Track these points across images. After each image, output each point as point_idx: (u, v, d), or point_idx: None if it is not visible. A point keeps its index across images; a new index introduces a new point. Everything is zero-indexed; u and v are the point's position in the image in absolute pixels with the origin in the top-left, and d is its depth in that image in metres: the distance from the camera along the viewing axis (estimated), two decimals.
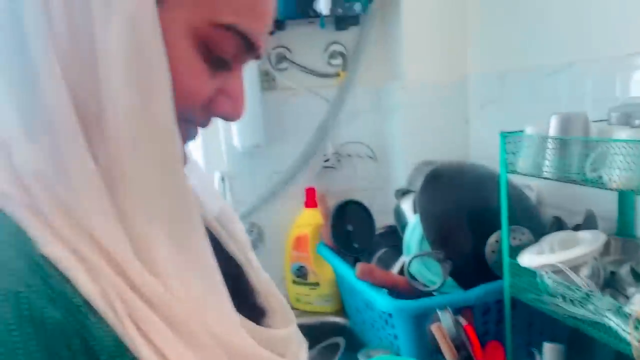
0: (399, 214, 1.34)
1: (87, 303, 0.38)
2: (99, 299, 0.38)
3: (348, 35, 1.56)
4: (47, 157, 0.39)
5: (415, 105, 1.49)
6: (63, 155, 0.39)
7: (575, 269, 0.85)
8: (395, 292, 1.11)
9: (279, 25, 1.47)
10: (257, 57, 0.49)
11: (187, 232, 0.47)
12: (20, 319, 0.34)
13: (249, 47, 0.46)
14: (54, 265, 0.38)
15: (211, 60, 0.44)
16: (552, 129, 0.86)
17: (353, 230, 1.38)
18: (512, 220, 0.99)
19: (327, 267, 1.47)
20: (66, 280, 0.38)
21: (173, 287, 0.43)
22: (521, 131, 0.95)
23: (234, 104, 0.48)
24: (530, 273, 0.92)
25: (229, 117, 0.48)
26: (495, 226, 1.01)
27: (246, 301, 0.57)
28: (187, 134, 0.48)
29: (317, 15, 1.40)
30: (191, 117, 0.46)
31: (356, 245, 1.38)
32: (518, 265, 0.94)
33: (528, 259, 0.92)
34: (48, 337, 0.35)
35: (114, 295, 0.39)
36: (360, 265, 1.10)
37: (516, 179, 1.15)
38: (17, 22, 0.40)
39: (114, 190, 0.41)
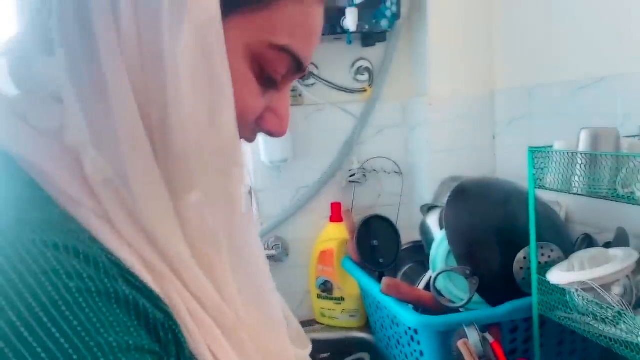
0: (424, 230, 1.33)
1: (165, 302, 0.41)
2: (164, 298, 0.41)
3: (374, 51, 1.57)
4: (114, 166, 0.41)
5: (442, 121, 1.49)
6: (130, 164, 0.41)
7: (607, 287, 0.84)
8: (421, 308, 1.10)
9: None
10: (303, 77, 0.52)
11: (243, 244, 0.50)
12: (110, 300, 0.37)
13: (298, 68, 0.49)
14: (128, 270, 0.40)
15: (263, 79, 0.47)
16: (582, 144, 0.85)
17: (378, 246, 1.38)
18: (541, 237, 0.98)
19: (353, 282, 1.47)
20: (140, 279, 0.40)
21: (229, 299, 0.46)
22: (550, 146, 0.94)
23: (281, 121, 0.50)
24: (560, 290, 0.91)
25: (274, 134, 0.51)
26: (523, 242, 1.00)
27: None
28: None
29: (344, 32, 1.41)
30: (240, 133, 0.48)
31: (381, 261, 1.37)
32: (547, 282, 0.92)
33: (557, 276, 0.91)
34: (142, 315, 0.38)
35: (174, 295, 0.42)
36: (385, 280, 1.10)
37: (544, 195, 1.14)
38: (88, 35, 0.41)
39: (175, 194, 0.43)
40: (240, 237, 0.49)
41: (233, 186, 0.46)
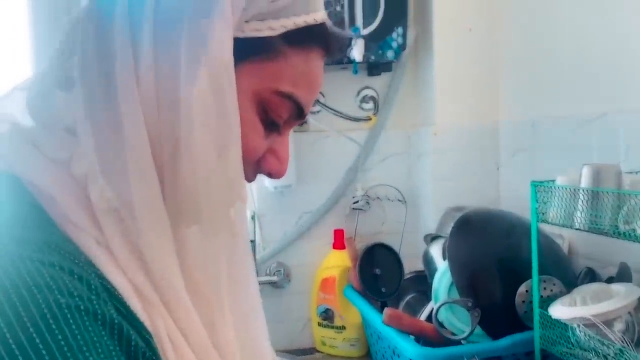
0: (427, 260, 1.33)
1: (150, 331, 0.42)
2: (149, 327, 0.42)
3: (380, 81, 1.59)
4: (121, 196, 0.44)
5: (446, 151, 1.50)
6: (137, 195, 0.44)
7: (609, 323, 0.84)
8: (423, 339, 1.10)
9: None
10: (303, 123, 0.55)
11: (243, 276, 0.52)
12: (97, 321, 0.38)
13: (299, 114, 0.53)
14: (117, 291, 0.42)
15: (266, 122, 0.51)
16: (584, 180, 0.86)
17: (381, 274, 1.37)
18: (543, 270, 0.98)
19: (354, 311, 1.46)
20: (129, 306, 0.42)
21: (220, 330, 0.47)
22: (552, 180, 0.95)
23: (280, 163, 0.54)
24: (562, 325, 0.90)
25: (273, 175, 0.54)
26: (526, 275, 1.00)
27: None
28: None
29: (350, 61, 1.43)
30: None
31: (384, 290, 1.36)
32: (549, 316, 0.92)
33: (559, 310, 0.90)
34: (124, 341, 0.39)
35: (161, 328, 0.43)
36: (387, 311, 1.09)
37: (547, 227, 1.14)
38: (107, 74, 0.45)
39: (179, 226, 0.46)
40: (241, 270, 0.51)
41: (237, 219, 0.49)
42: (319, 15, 0.52)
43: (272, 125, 0.52)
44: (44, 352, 0.34)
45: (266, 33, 0.48)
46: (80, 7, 0.49)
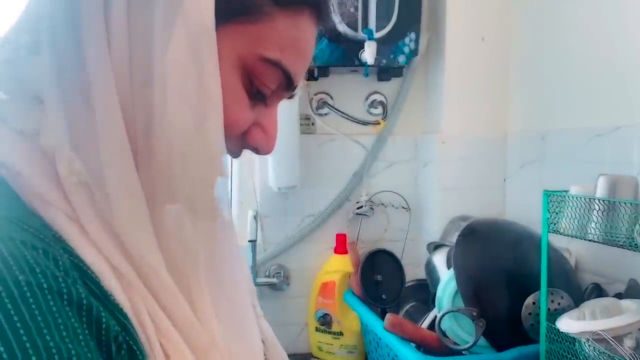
0: (430, 268, 1.31)
1: (125, 313, 0.39)
2: (128, 309, 0.39)
3: (389, 86, 1.58)
4: (92, 169, 0.40)
5: (453, 160, 1.49)
6: (108, 168, 0.40)
7: (619, 339, 0.81)
8: (424, 347, 1.08)
9: (322, 71, 1.50)
10: (292, 96, 0.51)
11: (225, 259, 0.48)
12: (62, 300, 0.34)
13: (288, 85, 0.48)
14: (92, 272, 0.38)
15: (252, 92, 0.47)
16: (600, 190, 0.84)
17: (382, 281, 1.35)
18: (550, 283, 0.96)
19: (353, 317, 1.44)
20: (102, 287, 0.38)
21: (201, 315, 0.43)
22: (565, 191, 0.93)
23: (268, 137, 0.49)
24: (569, 339, 0.88)
25: (260, 150, 0.50)
26: (533, 287, 0.98)
27: None
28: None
29: (362, 64, 1.42)
30: (226, 145, 0.47)
31: (384, 297, 1.34)
32: (556, 330, 0.90)
33: (568, 324, 0.88)
34: (94, 324, 0.35)
35: (142, 309, 0.40)
36: (389, 317, 1.07)
37: (554, 241, 1.12)
38: (76, 36, 0.41)
39: (154, 203, 0.42)
40: (220, 251, 0.47)
41: (216, 197, 0.44)
42: None
43: (258, 96, 0.47)
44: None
45: None
46: None
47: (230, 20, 0.43)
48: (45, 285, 0.33)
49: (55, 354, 0.32)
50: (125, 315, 0.38)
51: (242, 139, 0.49)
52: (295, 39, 0.47)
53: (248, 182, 1.53)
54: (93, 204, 0.40)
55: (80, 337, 0.34)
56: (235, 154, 0.50)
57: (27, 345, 0.31)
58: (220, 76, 0.43)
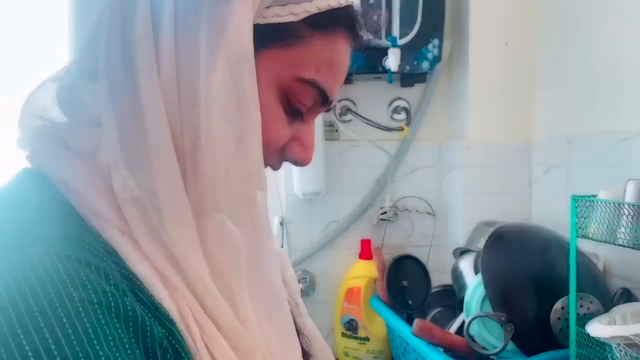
0: (456, 274, 1.31)
1: (172, 319, 0.41)
2: (175, 314, 0.42)
3: (413, 92, 1.59)
4: (143, 186, 0.43)
5: (477, 165, 1.49)
6: (158, 185, 0.43)
7: None
8: (452, 352, 1.08)
9: (346, 78, 1.50)
10: (328, 110, 0.55)
11: (264, 268, 0.50)
12: (110, 313, 0.37)
13: (323, 101, 0.52)
14: (142, 282, 0.41)
15: (289, 110, 0.50)
16: (629, 195, 0.84)
17: (408, 287, 1.36)
18: (579, 288, 0.96)
19: (379, 322, 1.44)
20: (150, 295, 0.41)
21: (243, 318, 0.45)
22: (593, 196, 0.93)
23: (305, 151, 0.53)
24: (599, 344, 0.88)
25: (299, 163, 0.53)
26: (561, 292, 0.98)
27: None
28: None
29: (385, 71, 1.43)
30: (267, 160, 0.51)
31: (410, 302, 1.35)
32: (586, 334, 0.90)
33: (598, 329, 0.88)
34: (140, 333, 0.38)
35: (188, 314, 0.42)
36: (418, 322, 1.07)
37: (582, 246, 1.11)
38: (130, 66, 0.44)
39: (201, 214, 0.45)
40: (261, 260, 0.50)
41: (257, 209, 0.48)
42: None
43: (295, 113, 0.51)
44: (52, 346, 0.33)
45: (288, 18, 0.47)
46: None
47: (269, 45, 0.47)
48: (95, 301, 0.36)
49: (104, 358, 0.35)
50: (171, 321, 0.41)
51: (282, 153, 0.52)
52: (330, 59, 0.50)
53: (273, 189, 1.55)
54: (144, 217, 0.43)
55: (127, 345, 0.36)
56: (276, 167, 0.53)
57: (80, 355, 0.34)
58: (260, 97, 0.46)
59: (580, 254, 1.07)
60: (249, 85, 0.45)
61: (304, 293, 1.56)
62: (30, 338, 0.33)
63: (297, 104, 0.50)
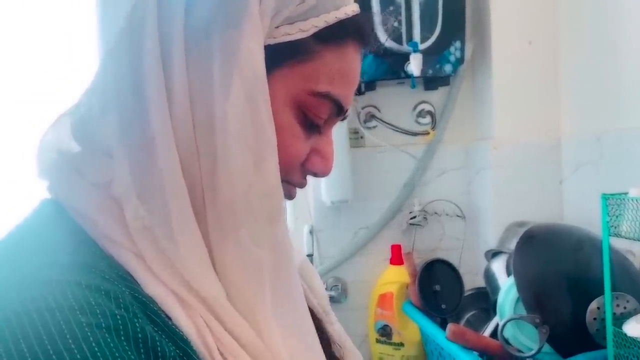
0: (489, 276, 1.30)
1: (187, 338, 0.42)
2: (194, 334, 0.42)
3: (436, 95, 1.59)
4: (154, 215, 0.44)
5: (506, 165, 1.48)
6: (169, 215, 0.44)
7: None
8: (487, 356, 1.07)
9: (369, 85, 1.52)
10: (344, 118, 0.55)
11: (287, 285, 0.51)
12: (119, 336, 0.37)
13: (338, 111, 0.52)
14: (157, 305, 0.42)
15: (306, 125, 0.50)
16: None
17: (440, 291, 1.35)
18: (615, 287, 0.94)
19: (413, 328, 1.44)
20: (169, 317, 0.42)
21: (267, 336, 0.46)
22: (624, 193, 0.92)
23: (325, 162, 0.53)
24: (637, 344, 0.86)
25: (319, 174, 0.54)
26: (596, 292, 0.97)
27: (325, 351, 0.60)
28: (286, 194, 0.53)
29: (408, 76, 1.43)
30: (290, 178, 0.52)
31: (444, 306, 1.34)
32: (624, 334, 0.88)
33: (636, 328, 0.87)
34: (151, 353, 0.38)
35: (205, 329, 0.43)
36: (451, 326, 1.07)
37: (617, 243, 1.10)
38: (139, 94, 0.45)
39: (223, 234, 0.46)
40: (284, 279, 0.50)
41: (277, 227, 0.48)
42: (350, 8, 0.50)
43: (312, 127, 0.51)
44: None
45: (297, 36, 0.47)
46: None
47: (282, 64, 0.48)
48: (104, 325, 0.37)
49: None
50: (185, 340, 0.41)
51: (302, 168, 0.53)
52: (342, 69, 0.50)
53: (301, 198, 1.57)
54: (156, 244, 0.44)
55: None
56: (302, 184, 0.54)
57: None
58: (277, 115, 0.47)
59: (614, 252, 1.05)
60: (264, 108, 0.45)
61: (337, 300, 1.57)
62: None
63: (313, 117, 0.50)
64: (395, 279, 1.50)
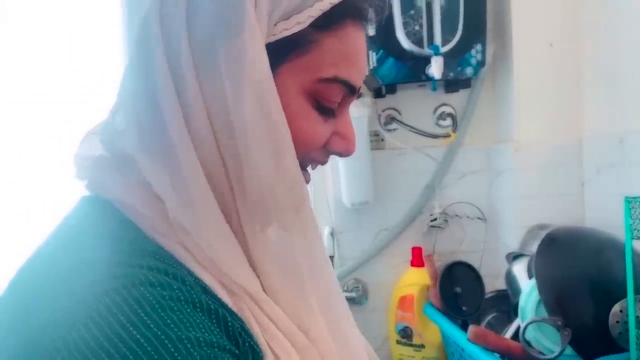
0: (510, 279, 1.30)
1: (241, 317, 0.47)
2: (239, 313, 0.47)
3: (457, 98, 1.59)
4: (189, 223, 0.47)
5: (527, 168, 1.47)
6: (201, 221, 0.48)
7: None
8: (508, 358, 1.07)
9: (389, 89, 1.53)
10: (359, 96, 0.58)
11: (321, 267, 0.56)
12: (195, 308, 0.42)
13: (350, 91, 0.54)
14: (207, 285, 0.47)
15: (322, 110, 0.53)
16: None
17: (461, 293, 1.35)
18: (637, 290, 0.94)
19: (433, 329, 1.45)
20: (220, 298, 0.47)
21: (312, 329, 0.51)
22: None
23: (347, 142, 0.56)
24: None
25: (343, 154, 0.56)
26: (619, 295, 0.96)
27: None
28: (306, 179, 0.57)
29: (429, 79, 1.44)
30: (312, 158, 0.55)
31: (464, 309, 1.34)
32: None
33: None
34: (222, 323, 0.44)
35: (249, 314, 0.47)
36: (473, 328, 1.08)
37: (638, 247, 1.09)
38: (156, 114, 0.48)
39: (257, 228, 0.50)
40: (317, 261, 0.54)
41: (303, 213, 0.52)
42: None
43: (328, 111, 0.53)
44: (162, 337, 0.38)
45: (295, 29, 0.49)
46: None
47: (286, 59, 0.50)
48: (182, 298, 0.42)
49: (202, 341, 0.40)
50: (240, 319, 0.46)
51: (325, 148, 0.56)
52: (345, 50, 0.52)
53: (322, 200, 1.58)
54: (200, 250, 0.48)
55: (215, 331, 0.42)
56: (324, 161, 0.57)
57: (183, 337, 0.39)
58: (292, 106, 0.50)
59: (637, 255, 1.05)
60: (275, 107, 0.48)
61: (357, 302, 1.58)
62: (141, 332, 0.38)
63: (327, 102, 0.53)
64: (415, 281, 1.51)
